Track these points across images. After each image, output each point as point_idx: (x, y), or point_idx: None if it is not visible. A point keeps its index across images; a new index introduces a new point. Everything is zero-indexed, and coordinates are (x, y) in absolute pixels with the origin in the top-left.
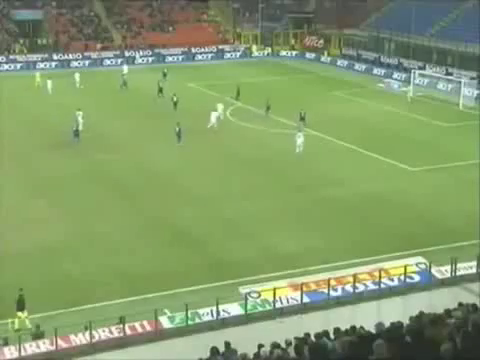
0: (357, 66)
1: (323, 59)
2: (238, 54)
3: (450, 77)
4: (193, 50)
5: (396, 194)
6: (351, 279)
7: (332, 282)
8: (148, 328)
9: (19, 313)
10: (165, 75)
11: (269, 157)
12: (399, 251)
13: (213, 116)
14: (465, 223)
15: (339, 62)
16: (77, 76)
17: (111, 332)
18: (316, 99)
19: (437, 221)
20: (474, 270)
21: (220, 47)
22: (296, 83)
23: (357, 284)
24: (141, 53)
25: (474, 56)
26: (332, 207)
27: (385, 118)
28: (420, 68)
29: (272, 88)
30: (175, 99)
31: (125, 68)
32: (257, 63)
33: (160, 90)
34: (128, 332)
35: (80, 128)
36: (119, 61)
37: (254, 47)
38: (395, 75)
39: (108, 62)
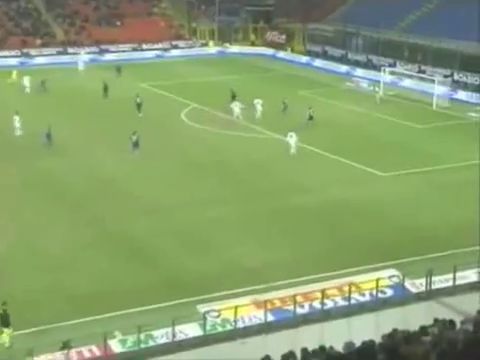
0: (323, 63)
1: (286, 56)
2: (193, 51)
3: (423, 75)
4: (144, 46)
5: (366, 201)
6: (319, 295)
7: (299, 298)
8: (97, 353)
9: (5, 329)
10: (119, 70)
11: (230, 162)
12: (370, 263)
13: (237, 107)
14: (440, 232)
15: (303, 59)
16: (27, 80)
17: (55, 359)
18: (279, 99)
19: (410, 230)
20: (451, 283)
21: (173, 43)
22: (257, 82)
23: (325, 300)
24: (86, 50)
25: (448, 52)
26: (298, 216)
27: (354, 119)
28: (390, 65)
29: (233, 88)
30: (139, 100)
31: (81, 64)
32: (214, 61)
33: (105, 89)
34: (74, 358)
35: (18, 133)
36: (64, 58)
37: (211, 43)
38: (364, 73)
39: (48, 60)
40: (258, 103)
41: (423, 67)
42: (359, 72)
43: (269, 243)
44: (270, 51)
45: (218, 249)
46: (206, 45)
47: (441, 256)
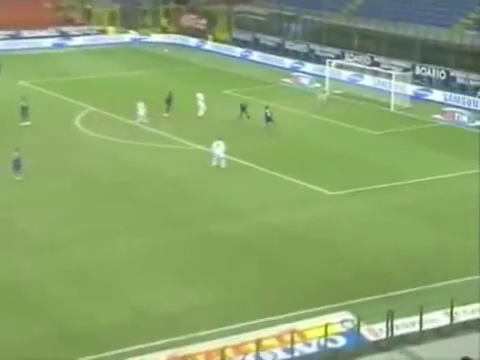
0: (254, 55)
1: (207, 46)
2: (89, 39)
3: (377, 68)
4: (24, 33)
5: (310, 227)
6: (254, 347)
7: (228, 352)
8: None
9: None
10: None
11: (140, 181)
12: (317, 305)
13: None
14: (401, 264)
15: (230, 50)
16: None
17: None
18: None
19: (365, 262)
20: (417, 328)
21: (63, 30)
22: (171, 79)
23: (262, 353)
24: None
25: (407, 40)
26: (226, 248)
27: (293, 125)
28: (337, 57)
29: (138, 86)
30: (24, 104)
31: None
32: (115, 52)
33: None
34: None
35: None
36: None
37: (111, 29)
38: (305, 67)
39: None
40: (200, 99)
41: (377, 59)
42: (299, 65)
43: (191, 283)
44: (187, 39)
45: (126, 292)
46: (104, 32)
47: (403, 294)
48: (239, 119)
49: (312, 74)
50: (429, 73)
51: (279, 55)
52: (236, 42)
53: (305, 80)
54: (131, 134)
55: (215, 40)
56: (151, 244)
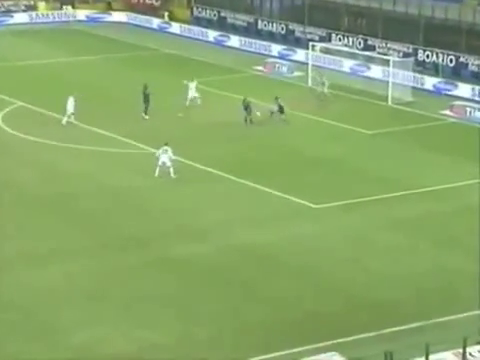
0: (218, 37)
1: (164, 26)
2: (17, 17)
3: (371, 53)
4: None
5: (291, 248)
6: None
7: None
8: None
9: None
10: None
11: (79, 193)
12: (300, 344)
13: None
14: (401, 294)
15: (190, 31)
16: None
17: None
18: (158, 94)
19: (357, 291)
20: None
21: None
22: (121, 67)
23: None
24: None
25: (408, 18)
26: (186, 273)
27: (269, 123)
28: (322, 40)
29: (79, 77)
30: None
31: None
32: (49, 33)
33: None
34: None
35: None
36: None
37: (42, 5)
38: (283, 51)
39: None
40: (191, 89)
41: (371, 41)
42: (275, 49)
43: (145, 317)
44: (137, 18)
45: (66, 330)
46: (35, 8)
47: (404, 331)
48: (246, 123)
49: (292, 60)
50: (435, 59)
51: (251, 37)
52: (198, 21)
53: (283, 68)
54: (70, 135)
55: (171, 19)
56: (95, 270)
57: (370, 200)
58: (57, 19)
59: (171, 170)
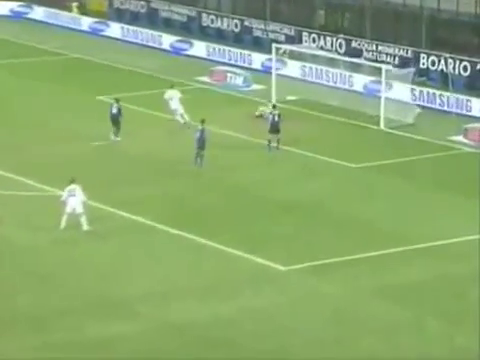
0: (148, 36)
1: (73, 21)
2: None
3: (357, 60)
4: None
5: (250, 325)
6: None
7: None
8: None
9: None
10: None
11: None
12: None
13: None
14: None
15: (110, 28)
16: None
17: None
18: (62, 116)
19: None
20: None
21: None
22: (9, 79)
23: None
24: None
25: (407, 13)
26: None
27: (223, 156)
28: (291, 40)
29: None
30: None
31: None
32: None
33: None
34: None
35: None
36: None
37: None
38: (236, 56)
39: None
40: (172, 98)
41: (357, 43)
42: (226, 54)
43: None
44: (36, 10)
45: None
46: None
47: None
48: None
49: (249, 68)
50: (443, 66)
51: (192, 37)
52: (119, 15)
53: (237, 78)
54: None
55: (83, 12)
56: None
57: (356, 259)
58: None
59: (83, 219)
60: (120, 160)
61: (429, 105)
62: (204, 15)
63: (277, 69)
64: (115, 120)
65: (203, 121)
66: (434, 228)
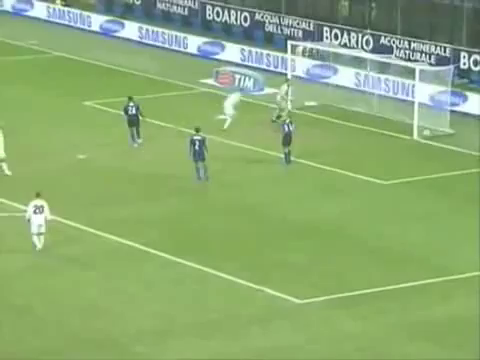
0: (143, 31)
1: (56, 13)
2: None
3: (386, 59)
4: None
5: None
6: None
7: None
8: None
9: None
10: None
11: None
12: None
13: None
14: None
15: (100, 23)
16: None
17: None
18: (42, 124)
19: None
20: None
21: None
22: None
23: None
24: None
25: (444, 5)
26: None
27: (234, 172)
28: (309, 36)
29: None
30: None
31: None
32: None
33: None
34: None
35: None
36: None
37: None
38: (246, 55)
39: None
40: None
41: (386, 40)
42: (233, 52)
43: None
44: (18, 3)
45: None
46: None
47: None
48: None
49: (261, 69)
50: None
51: (195, 33)
52: (109, 6)
53: (247, 81)
54: None
55: (67, 3)
56: None
57: (385, 291)
58: None
59: (42, 239)
60: (108, 175)
61: (470, 111)
62: (208, 7)
63: (293, 70)
64: (133, 121)
65: (198, 130)
66: (473, 255)
